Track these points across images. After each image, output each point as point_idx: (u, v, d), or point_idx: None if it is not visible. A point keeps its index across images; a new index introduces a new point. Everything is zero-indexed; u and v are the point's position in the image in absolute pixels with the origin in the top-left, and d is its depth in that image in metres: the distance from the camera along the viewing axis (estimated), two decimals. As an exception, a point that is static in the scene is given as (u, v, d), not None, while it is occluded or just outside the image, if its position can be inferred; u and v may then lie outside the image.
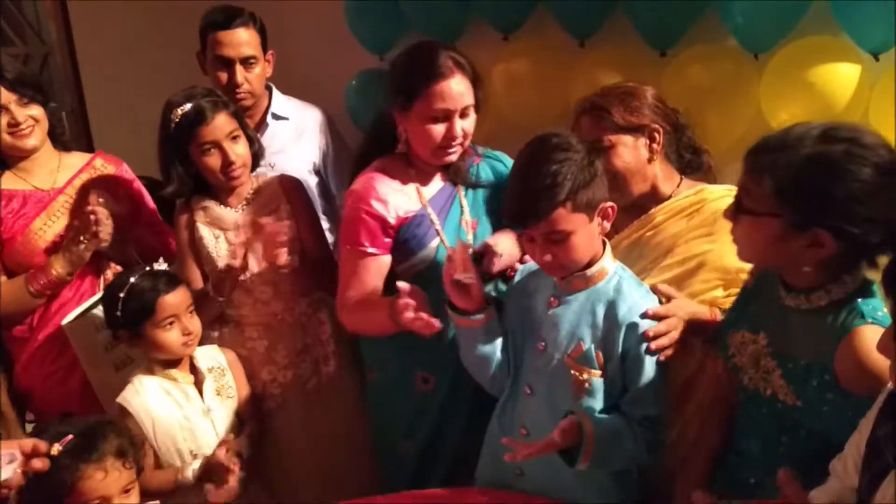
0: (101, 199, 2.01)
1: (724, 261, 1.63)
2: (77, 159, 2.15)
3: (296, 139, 2.41)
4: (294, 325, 2.02)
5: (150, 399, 1.78)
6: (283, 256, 1.92)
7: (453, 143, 1.74)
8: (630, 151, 1.71)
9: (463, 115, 1.72)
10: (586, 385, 1.48)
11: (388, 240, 1.80)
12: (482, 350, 1.61)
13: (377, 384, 1.97)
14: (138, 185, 2.24)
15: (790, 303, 1.33)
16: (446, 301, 1.60)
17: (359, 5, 2.64)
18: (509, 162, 1.96)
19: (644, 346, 1.47)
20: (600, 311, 1.49)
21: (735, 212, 1.32)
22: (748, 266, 1.57)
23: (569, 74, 2.35)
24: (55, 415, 1.91)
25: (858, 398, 1.21)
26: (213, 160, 1.90)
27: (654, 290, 1.57)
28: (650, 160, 1.73)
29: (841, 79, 2.04)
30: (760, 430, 1.40)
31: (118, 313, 1.77)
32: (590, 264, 1.51)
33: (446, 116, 1.71)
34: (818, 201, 1.22)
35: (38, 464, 1.30)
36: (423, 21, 2.54)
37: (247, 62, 2.24)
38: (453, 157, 1.78)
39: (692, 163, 1.84)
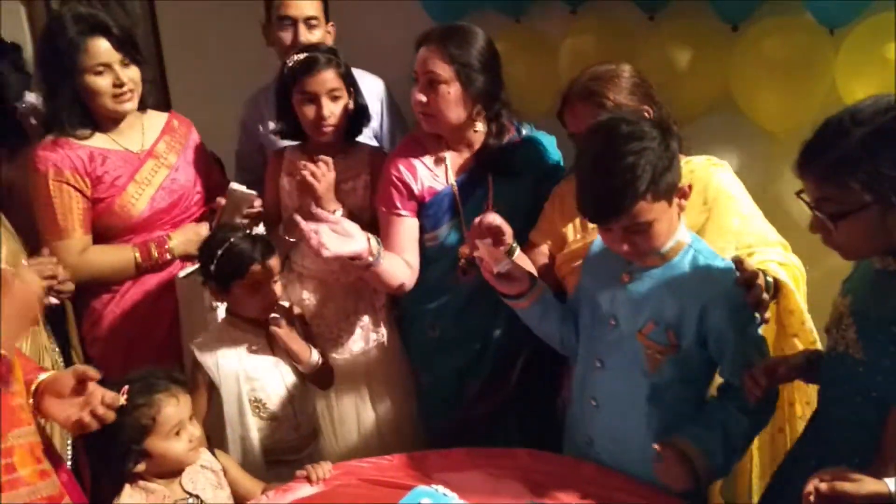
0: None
1: (722, 222, 1.65)
2: (157, 120, 2.20)
3: None
4: (348, 287, 2.11)
5: (220, 349, 1.87)
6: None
7: (416, 108, 1.90)
8: None
9: (434, 85, 1.86)
10: (659, 361, 1.51)
11: (416, 205, 1.94)
12: (541, 326, 1.70)
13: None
14: (207, 149, 2.30)
15: (878, 264, 1.33)
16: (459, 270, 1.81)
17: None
18: (548, 141, 2.04)
19: (729, 317, 1.46)
20: (674, 288, 1.49)
21: (829, 222, 1.28)
22: (748, 229, 1.65)
23: (637, 50, 2.32)
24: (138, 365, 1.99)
25: None
26: (309, 111, 2.01)
27: (735, 261, 1.53)
28: None
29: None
30: (837, 391, 1.40)
31: (212, 267, 1.85)
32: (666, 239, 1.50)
33: (420, 82, 1.88)
34: None
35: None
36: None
37: (309, 23, 2.29)
38: (430, 127, 1.92)
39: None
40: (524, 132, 2.04)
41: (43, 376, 1.42)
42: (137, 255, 2.07)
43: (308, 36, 2.29)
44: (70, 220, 2.02)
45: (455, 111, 1.90)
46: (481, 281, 1.92)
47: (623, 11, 2.37)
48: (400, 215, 1.97)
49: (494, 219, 1.69)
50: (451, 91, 1.87)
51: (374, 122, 2.47)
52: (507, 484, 1.57)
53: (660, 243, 1.47)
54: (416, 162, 1.96)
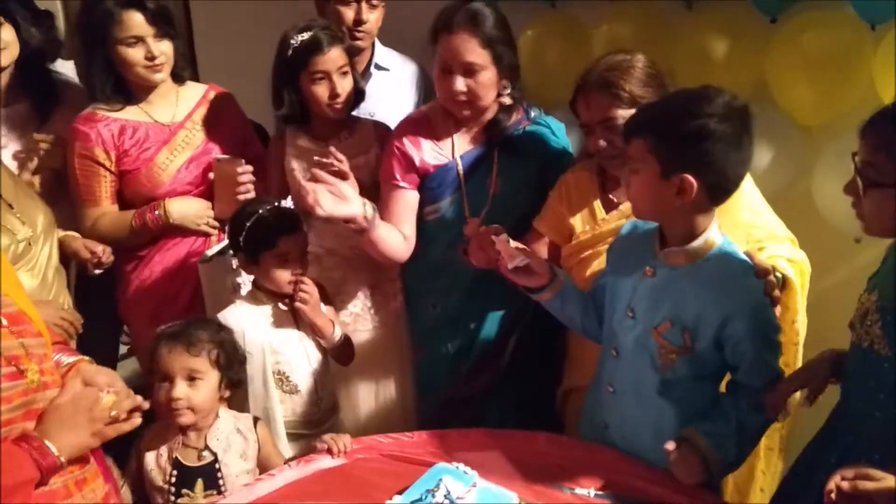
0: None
1: (733, 215, 1.64)
2: (193, 92, 2.23)
3: (395, 90, 2.46)
4: (368, 260, 2.11)
5: (247, 321, 1.89)
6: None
7: (455, 99, 1.84)
8: None
9: (468, 73, 1.82)
10: (672, 361, 1.50)
11: (418, 178, 1.95)
12: (563, 314, 1.71)
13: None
14: (247, 120, 2.33)
15: None
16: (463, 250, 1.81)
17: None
18: (557, 126, 2.04)
19: (751, 329, 1.45)
20: (694, 291, 1.47)
21: (864, 187, 1.29)
22: (758, 223, 1.65)
23: (674, 38, 2.31)
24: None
25: None
26: (321, 90, 1.99)
27: (747, 255, 1.53)
28: None
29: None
30: (859, 386, 1.40)
31: (241, 239, 1.88)
32: (692, 237, 1.49)
33: (450, 69, 1.82)
34: None
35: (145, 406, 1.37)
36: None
37: (371, 2, 2.29)
38: (465, 112, 1.90)
39: None
40: (533, 114, 2.04)
41: (71, 359, 1.42)
42: (134, 219, 2.12)
43: (368, 14, 2.29)
44: (91, 191, 2.13)
45: (491, 93, 1.90)
46: None
47: (660, 0, 2.35)
48: (399, 187, 1.97)
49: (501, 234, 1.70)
50: (489, 75, 1.86)
51: (411, 109, 2.45)
52: (526, 466, 1.58)
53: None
54: (420, 136, 1.97)
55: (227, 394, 1.71)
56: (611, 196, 1.83)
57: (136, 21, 2.01)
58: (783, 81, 2.17)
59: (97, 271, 2.06)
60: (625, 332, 1.57)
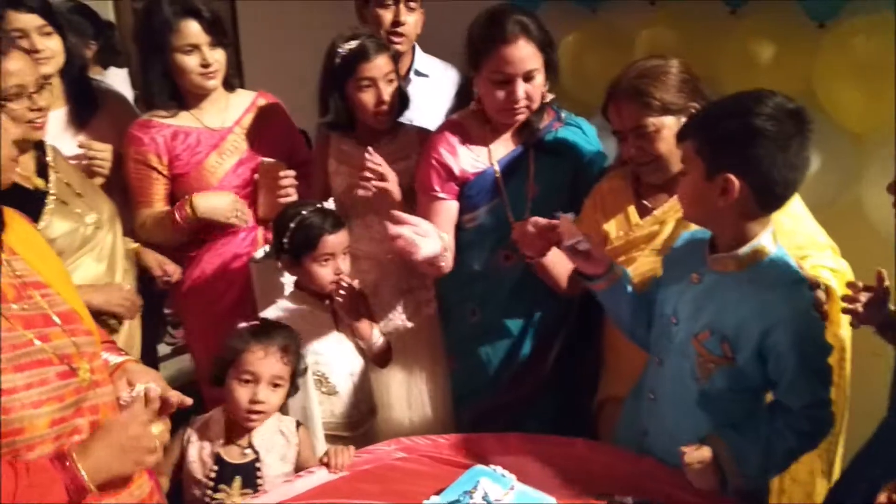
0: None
1: (774, 220, 1.57)
2: (243, 98, 2.30)
3: (435, 97, 2.47)
4: (402, 265, 2.12)
5: (287, 321, 1.89)
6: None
7: (516, 106, 1.84)
8: (673, 133, 1.66)
9: (527, 78, 1.83)
10: (711, 370, 1.48)
11: (456, 187, 1.94)
12: (614, 312, 1.70)
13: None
14: (294, 127, 2.39)
15: None
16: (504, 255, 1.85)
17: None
18: (589, 129, 2.05)
19: (794, 343, 1.41)
20: (737, 299, 1.44)
21: None
22: (799, 229, 1.63)
23: (718, 44, 2.28)
24: (206, 330, 2.20)
25: None
26: (368, 97, 2.02)
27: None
28: None
29: None
30: None
31: (285, 241, 1.92)
32: (742, 245, 1.46)
33: (509, 80, 1.82)
34: None
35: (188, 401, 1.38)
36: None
37: (409, 4, 2.32)
38: (519, 117, 1.90)
39: None
40: (563, 115, 2.04)
41: (118, 359, 1.44)
42: (168, 216, 2.17)
43: (406, 17, 2.31)
44: (144, 192, 2.20)
45: (540, 96, 1.91)
46: (524, 268, 1.96)
47: (704, 4, 2.33)
48: (438, 198, 1.98)
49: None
50: (541, 78, 1.89)
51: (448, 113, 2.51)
52: (564, 472, 1.57)
53: None
54: (457, 144, 1.97)
55: (284, 400, 1.75)
56: (645, 202, 1.82)
57: (193, 30, 2.09)
58: (831, 87, 2.13)
59: (165, 287, 2.15)
60: (668, 338, 1.55)
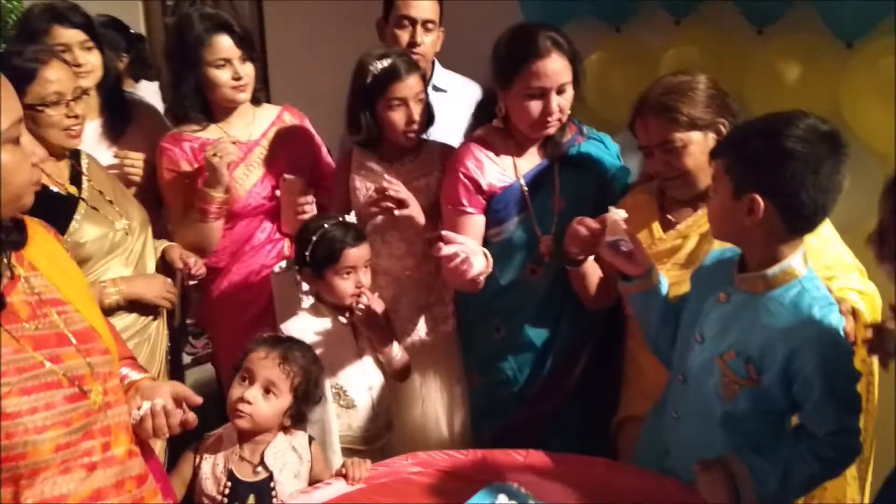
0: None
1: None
2: (268, 112, 2.35)
3: (452, 113, 2.47)
4: (420, 281, 2.13)
5: (307, 333, 1.91)
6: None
7: (550, 119, 1.86)
8: (700, 148, 1.68)
9: (559, 91, 1.85)
10: (735, 392, 1.45)
11: (484, 201, 1.95)
12: (642, 317, 1.69)
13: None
14: (319, 141, 2.42)
15: None
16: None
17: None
18: (611, 144, 2.07)
19: (820, 367, 1.38)
20: (766, 321, 1.42)
21: None
22: (827, 250, 1.62)
23: (744, 63, 2.27)
24: (232, 340, 2.17)
25: None
26: (398, 116, 2.03)
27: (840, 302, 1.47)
28: None
29: None
30: None
31: (307, 253, 1.92)
32: (771, 263, 1.44)
33: (543, 93, 1.83)
34: None
35: (190, 417, 1.34)
36: (593, 2, 2.53)
37: (426, 25, 2.36)
38: (551, 130, 1.91)
39: None
40: (585, 130, 2.06)
41: (136, 376, 1.42)
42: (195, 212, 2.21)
43: (423, 38, 2.35)
44: (179, 203, 2.26)
45: (569, 109, 1.93)
46: (550, 282, 1.96)
47: (730, 23, 2.33)
48: (467, 213, 1.98)
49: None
50: (572, 92, 1.90)
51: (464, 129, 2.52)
52: (583, 491, 1.55)
53: None
54: (484, 158, 1.98)
55: (287, 423, 1.69)
56: (669, 216, 1.82)
57: (225, 44, 2.15)
58: (859, 108, 2.11)
59: (191, 282, 2.17)
60: (693, 356, 1.53)
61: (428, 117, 2.12)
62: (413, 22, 2.35)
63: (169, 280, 2.11)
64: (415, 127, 2.05)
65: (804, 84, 2.14)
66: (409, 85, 2.02)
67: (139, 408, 1.31)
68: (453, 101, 2.50)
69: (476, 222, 1.98)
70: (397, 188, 1.99)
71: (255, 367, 1.66)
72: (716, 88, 1.73)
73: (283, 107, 2.40)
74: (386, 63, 2.02)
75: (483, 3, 2.85)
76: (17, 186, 1.12)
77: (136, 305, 2.04)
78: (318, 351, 1.90)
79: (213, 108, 2.25)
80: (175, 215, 2.28)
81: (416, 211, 2.02)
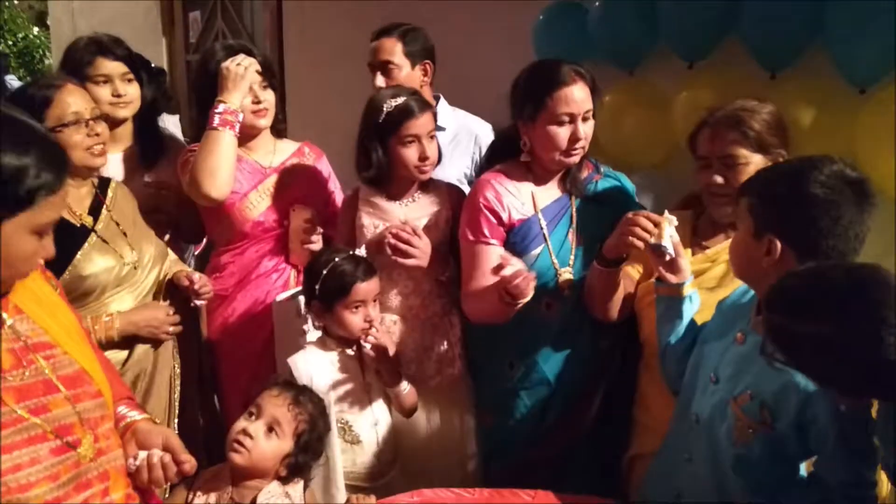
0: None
1: None
2: (289, 145, 2.43)
3: (451, 149, 2.52)
4: (426, 322, 2.12)
5: (315, 367, 1.92)
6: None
7: (577, 146, 1.90)
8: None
9: (584, 118, 1.89)
10: (749, 436, 1.43)
11: (504, 233, 1.96)
12: (660, 326, 1.70)
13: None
14: (334, 179, 2.47)
15: None
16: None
17: (547, 28, 2.71)
18: (627, 183, 2.10)
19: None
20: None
21: None
22: None
23: (757, 107, 2.28)
24: (236, 369, 2.23)
25: None
26: (411, 153, 2.06)
27: None
28: None
29: None
30: None
31: (316, 286, 1.93)
32: None
33: (571, 120, 1.88)
34: None
35: (187, 466, 1.30)
36: (606, 46, 2.56)
37: (385, 68, 2.41)
38: (576, 159, 1.94)
39: None
40: (601, 168, 2.10)
41: (135, 416, 1.39)
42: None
43: (386, 79, 2.40)
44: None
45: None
46: (566, 318, 1.96)
47: (743, 68, 2.34)
48: (489, 243, 1.98)
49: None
50: (593, 122, 1.94)
51: (467, 168, 2.52)
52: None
53: None
54: (503, 191, 1.99)
55: (283, 472, 1.65)
56: (702, 242, 1.85)
57: None
58: (873, 153, 2.10)
59: (198, 302, 2.15)
60: (707, 398, 1.52)
61: (439, 155, 2.14)
62: (375, 68, 2.42)
63: (171, 309, 2.10)
64: (428, 163, 2.07)
65: (817, 130, 2.14)
66: (422, 122, 2.06)
67: (135, 457, 1.28)
68: (452, 138, 2.53)
69: (496, 254, 1.97)
70: (408, 235, 2.00)
71: (265, 403, 1.66)
72: (781, 119, 1.77)
73: (303, 143, 2.47)
74: (399, 101, 2.05)
75: (498, 44, 2.89)
76: (21, 272, 1.15)
77: (134, 337, 2.04)
78: (324, 384, 1.89)
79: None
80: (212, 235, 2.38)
81: (423, 252, 2.02)
